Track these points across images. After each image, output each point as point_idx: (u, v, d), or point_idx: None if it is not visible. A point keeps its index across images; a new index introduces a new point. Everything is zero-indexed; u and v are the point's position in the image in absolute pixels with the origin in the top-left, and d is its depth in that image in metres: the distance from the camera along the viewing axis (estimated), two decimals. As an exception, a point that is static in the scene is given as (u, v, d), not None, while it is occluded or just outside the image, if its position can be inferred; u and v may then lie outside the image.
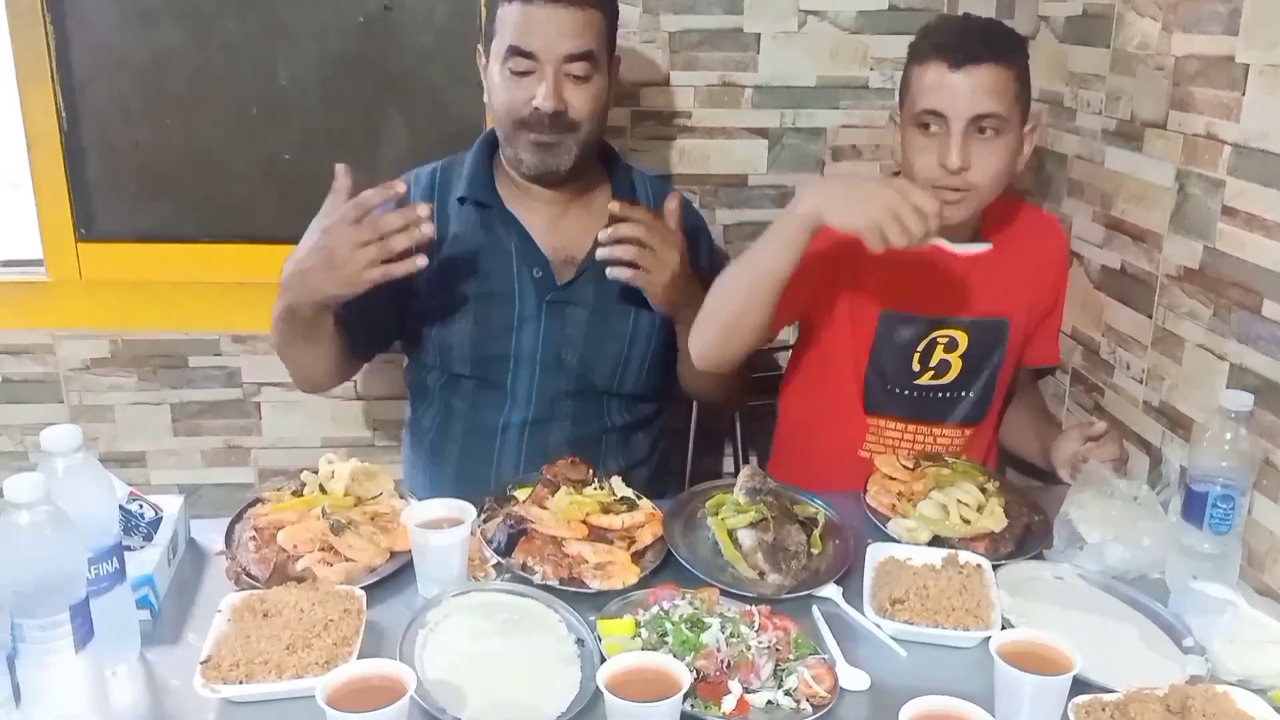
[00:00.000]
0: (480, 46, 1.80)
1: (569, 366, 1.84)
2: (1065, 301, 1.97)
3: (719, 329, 1.66)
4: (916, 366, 1.86)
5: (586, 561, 1.43)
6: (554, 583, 1.40)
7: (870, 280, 1.82)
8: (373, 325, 1.82)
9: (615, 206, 1.70)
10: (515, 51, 1.69)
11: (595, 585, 1.41)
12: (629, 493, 1.60)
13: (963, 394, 1.89)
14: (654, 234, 1.69)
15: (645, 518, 1.54)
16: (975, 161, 1.67)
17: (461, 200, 1.82)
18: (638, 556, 1.47)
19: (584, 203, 1.85)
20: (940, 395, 1.88)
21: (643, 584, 1.42)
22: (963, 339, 1.85)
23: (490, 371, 1.83)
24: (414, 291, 1.79)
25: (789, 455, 2.03)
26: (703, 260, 1.92)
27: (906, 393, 1.87)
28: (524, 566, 1.42)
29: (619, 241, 1.67)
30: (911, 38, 1.76)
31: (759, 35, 2.22)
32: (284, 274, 1.67)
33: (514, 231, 1.82)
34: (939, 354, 1.86)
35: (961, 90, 1.65)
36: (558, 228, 1.84)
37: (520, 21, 1.68)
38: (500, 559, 1.44)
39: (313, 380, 1.88)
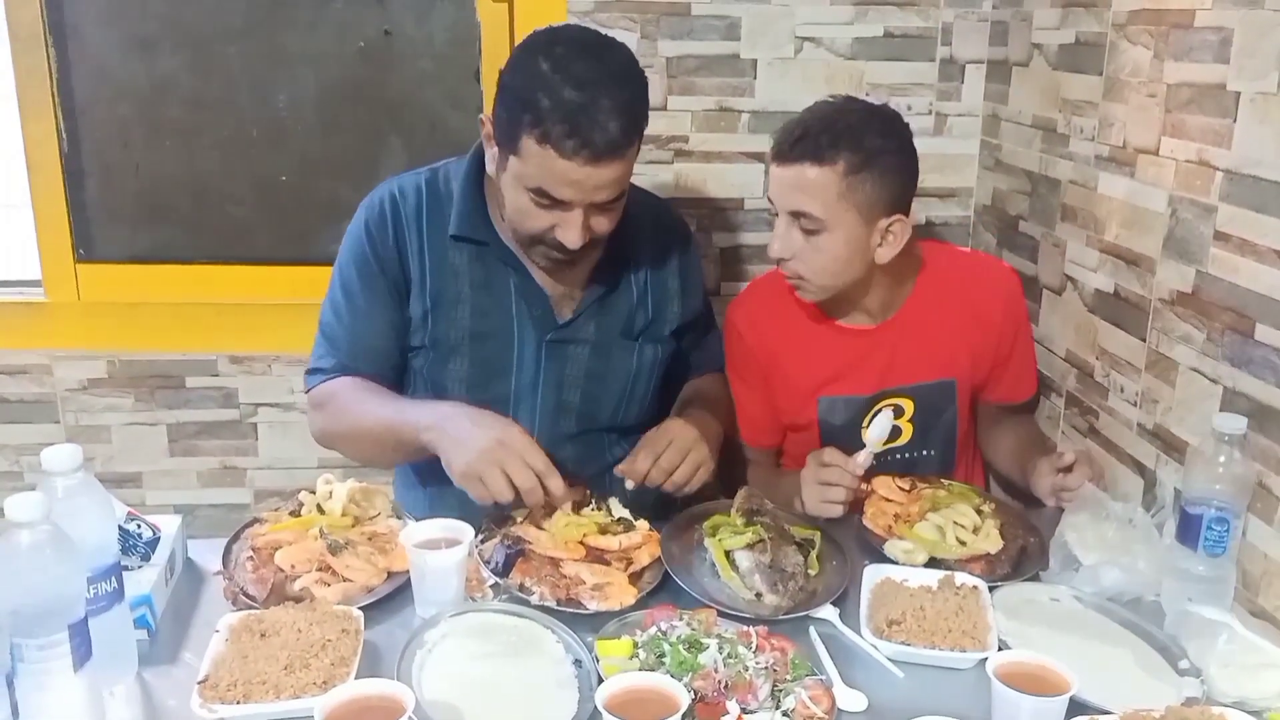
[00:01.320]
0: (487, 118, 1.64)
1: (571, 406, 1.80)
2: (1030, 337, 1.97)
3: None
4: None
5: (584, 582, 1.43)
6: (551, 603, 1.40)
7: (797, 371, 1.86)
8: (394, 372, 1.78)
9: (626, 481, 1.63)
10: (542, 193, 1.56)
11: (593, 606, 1.41)
12: (626, 514, 1.60)
13: (923, 453, 1.90)
14: (674, 455, 1.62)
15: (643, 539, 1.54)
16: (799, 254, 1.72)
17: (455, 238, 1.72)
18: (635, 577, 1.47)
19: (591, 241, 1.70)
20: (900, 458, 1.88)
21: (640, 605, 1.42)
22: (909, 405, 1.85)
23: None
24: (409, 326, 1.75)
25: None
26: (694, 290, 1.91)
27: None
28: (521, 587, 1.42)
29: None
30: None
31: (755, 61, 2.25)
32: (440, 414, 1.58)
33: (512, 268, 1.74)
34: None
35: (780, 184, 1.71)
36: (560, 265, 1.70)
37: (551, 170, 1.53)
38: (498, 580, 1.44)
39: (365, 463, 1.92)
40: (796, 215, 1.69)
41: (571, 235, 1.59)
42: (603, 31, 1.67)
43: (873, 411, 1.79)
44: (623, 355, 1.81)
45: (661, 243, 1.86)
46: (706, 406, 1.84)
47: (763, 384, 1.90)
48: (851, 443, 1.77)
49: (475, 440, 1.49)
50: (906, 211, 1.74)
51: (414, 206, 1.74)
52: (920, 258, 1.87)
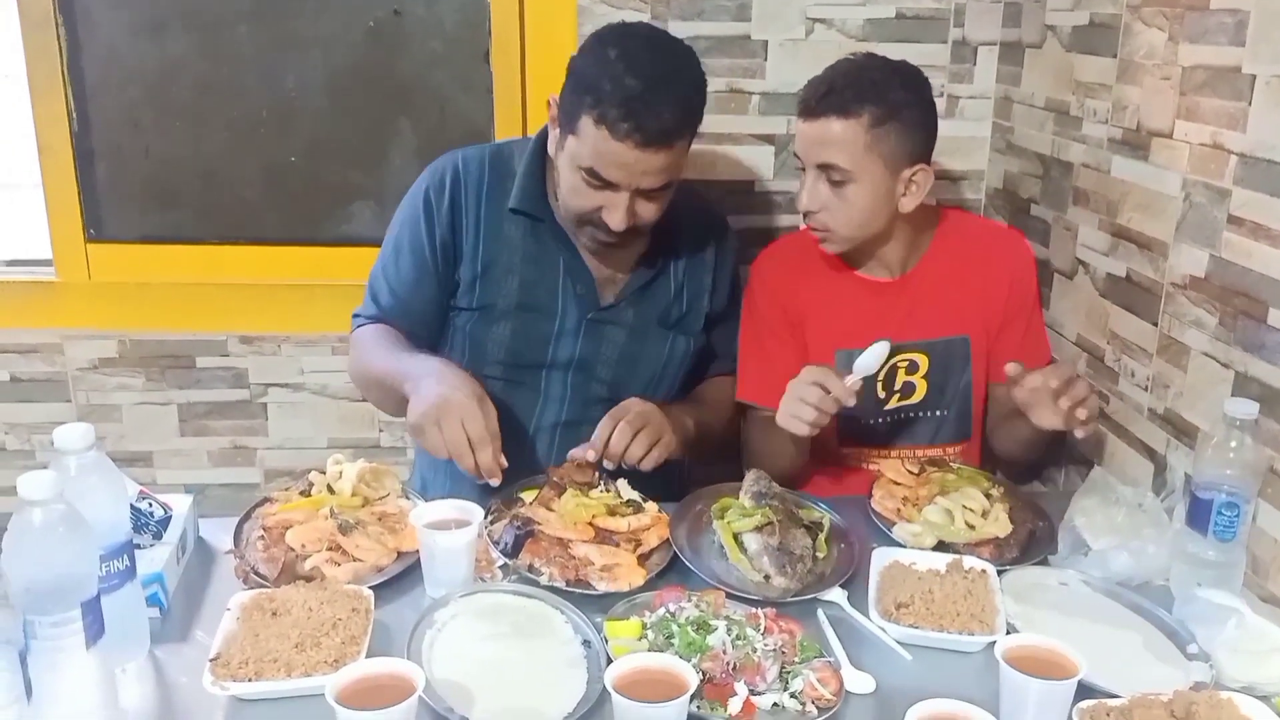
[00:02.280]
0: (554, 100, 1.71)
1: (602, 382, 1.85)
2: (1038, 309, 1.98)
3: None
4: (882, 394, 1.87)
5: (593, 563, 1.44)
6: (560, 584, 1.41)
7: (818, 324, 1.88)
8: (428, 331, 1.84)
9: (588, 457, 1.65)
10: (593, 174, 1.63)
11: (601, 587, 1.41)
12: (635, 495, 1.61)
13: (937, 413, 1.90)
14: (634, 421, 1.65)
15: (651, 520, 1.55)
16: (826, 206, 1.76)
17: (514, 210, 1.79)
18: (644, 559, 1.48)
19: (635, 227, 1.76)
20: (913, 415, 1.89)
21: (649, 586, 1.43)
22: (923, 360, 1.87)
23: (523, 375, 1.83)
24: (457, 286, 1.82)
25: None
26: (724, 286, 1.95)
27: (880, 420, 1.88)
28: (530, 568, 1.43)
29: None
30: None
31: (766, 42, 2.24)
32: (421, 368, 1.64)
33: (563, 247, 1.80)
34: (901, 377, 1.87)
35: (807, 138, 1.75)
36: (607, 247, 1.77)
37: (604, 151, 1.60)
38: (507, 560, 1.45)
39: (389, 413, 2.07)
40: (824, 168, 1.74)
41: (616, 216, 1.65)
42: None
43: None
44: (656, 343, 1.87)
45: (704, 239, 1.92)
46: (696, 402, 1.91)
47: (788, 335, 1.90)
48: (867, 396, 1.82)
49: (428, 396, 1.56)
50: (928, 161, 1.77)
51: (476, 176, 1.82)
52: (939, 216, 1.92)
